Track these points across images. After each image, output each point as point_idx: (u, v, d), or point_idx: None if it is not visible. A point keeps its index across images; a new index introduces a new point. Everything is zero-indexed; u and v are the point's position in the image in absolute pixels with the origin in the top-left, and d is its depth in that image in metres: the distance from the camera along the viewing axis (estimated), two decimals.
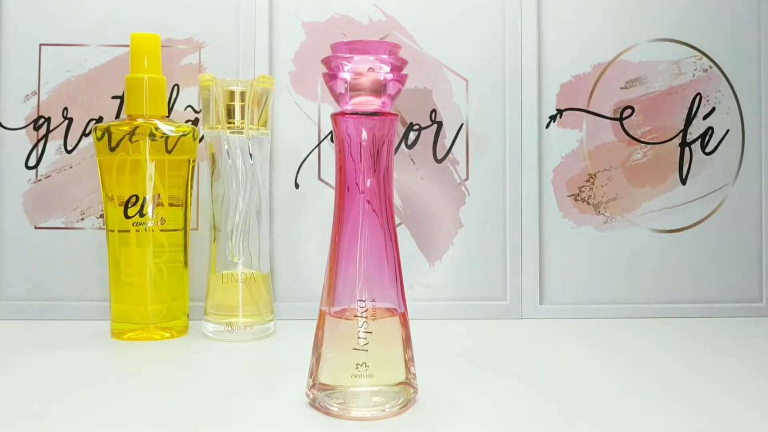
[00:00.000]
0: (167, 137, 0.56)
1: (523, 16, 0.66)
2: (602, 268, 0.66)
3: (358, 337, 0.38)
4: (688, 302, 0.67)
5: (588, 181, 0.67)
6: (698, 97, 0.67)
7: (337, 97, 0.39)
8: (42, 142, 0.64)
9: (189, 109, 0.65)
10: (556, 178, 0.66)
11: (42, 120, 0.64)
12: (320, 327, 0.40)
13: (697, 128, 0.67)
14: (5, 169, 0.64)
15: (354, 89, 0.38)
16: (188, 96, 0.65)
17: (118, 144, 0.55)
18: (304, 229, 0.65)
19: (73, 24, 0.64)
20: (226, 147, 0.57)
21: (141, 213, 0.56)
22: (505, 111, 0.66)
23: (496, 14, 0.66)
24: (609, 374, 0.47)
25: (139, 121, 0.56)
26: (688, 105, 0.67)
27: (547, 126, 0.67)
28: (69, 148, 0.64)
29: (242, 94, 0.56)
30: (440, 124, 0.66)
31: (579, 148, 0.67)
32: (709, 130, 0.67)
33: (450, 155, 0.66)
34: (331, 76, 0.39)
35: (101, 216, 0.64)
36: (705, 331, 0.61)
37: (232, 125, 0.56)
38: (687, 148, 0.67)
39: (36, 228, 0.64)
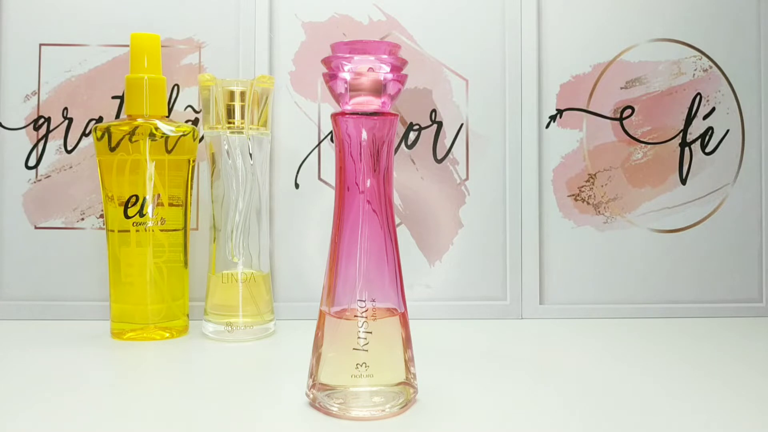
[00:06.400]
0: (167, 137, 0.56)
1: (523, 16, 0.66)
2: (602, 268, 0.66)
3: (358, 337, 0.38)
4: (688, 302, 0.67)
5: (588, 181, 0.67)
6: (698, 97, 0.67)
7: (337, 97, 0.39)
8: (42, 142, 0.64)
9: (189, 109, 0.65)
10: (556, 178, 0.66)
11: (42, 120, 0.64)
12: (320, 327, 0.40)
13: (697, 128, 0.67)
14: (5, 169, 0.64)
15: (354, 89, 0.38)
16: (188, 96, 0.65)
17: (118, 144, 0.56)
18: (304, 229, 0.65)
19: (73, 24, 0.64)
20: (226, 147, 0.57)
21: (141, 213, 0.56)
22: (505, 111, 0.66)
23: (496, 14, 0.66)
24: (609, 374, 0.47)
25: (139, 121, 0.56)
26: (688, 105, 0.67)
27: (547, 126, 0.67)
28: (69, 148, 0.64)
29: (242, 94, 0.56)
30: (440, 124, 0.66)
31: (579, 148, 0.67)
32: (709, 130, 0.67)
33: (450, 155, 0.66)
34: (331, 76, 0.39)
35: (101, 216, 0.64)
36: (705, 331, 0.61)
37: (232, 125, 0.56)
38: (687, 148, 0.67)
39: (36, 228, 0.64)
